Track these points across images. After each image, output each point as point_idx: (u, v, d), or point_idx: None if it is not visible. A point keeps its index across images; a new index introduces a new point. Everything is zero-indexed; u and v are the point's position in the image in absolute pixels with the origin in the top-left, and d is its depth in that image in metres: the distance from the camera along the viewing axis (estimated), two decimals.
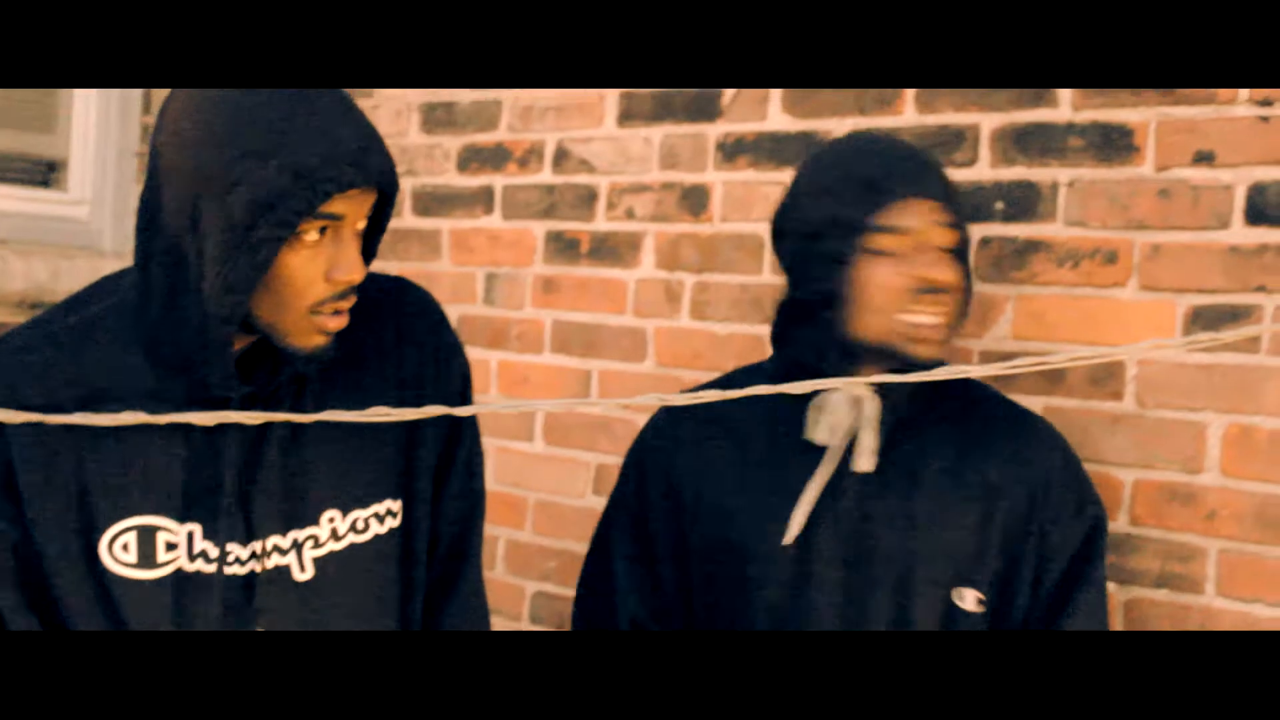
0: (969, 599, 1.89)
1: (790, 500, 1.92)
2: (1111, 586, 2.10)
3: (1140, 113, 2.12)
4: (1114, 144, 2.15)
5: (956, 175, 2.28)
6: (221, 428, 1.61)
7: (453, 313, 3.00)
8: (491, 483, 2.91)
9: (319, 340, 1.58)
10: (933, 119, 2.32)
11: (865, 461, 1.91)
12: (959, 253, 1.90)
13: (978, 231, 2.25)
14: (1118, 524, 2.12)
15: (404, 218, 3.10)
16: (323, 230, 1.52)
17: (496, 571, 2.90)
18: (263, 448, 1.64)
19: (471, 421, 1.85)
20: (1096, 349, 1.31)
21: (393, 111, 3.14)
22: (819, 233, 1.88)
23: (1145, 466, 2.11)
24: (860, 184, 1.87)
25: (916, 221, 1.86)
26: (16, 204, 3.54)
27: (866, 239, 1.85)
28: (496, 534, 2.91)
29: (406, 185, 3.10)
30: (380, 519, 1.72)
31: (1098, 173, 2.16)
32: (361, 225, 1.56)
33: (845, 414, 1.91)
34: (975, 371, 1.31)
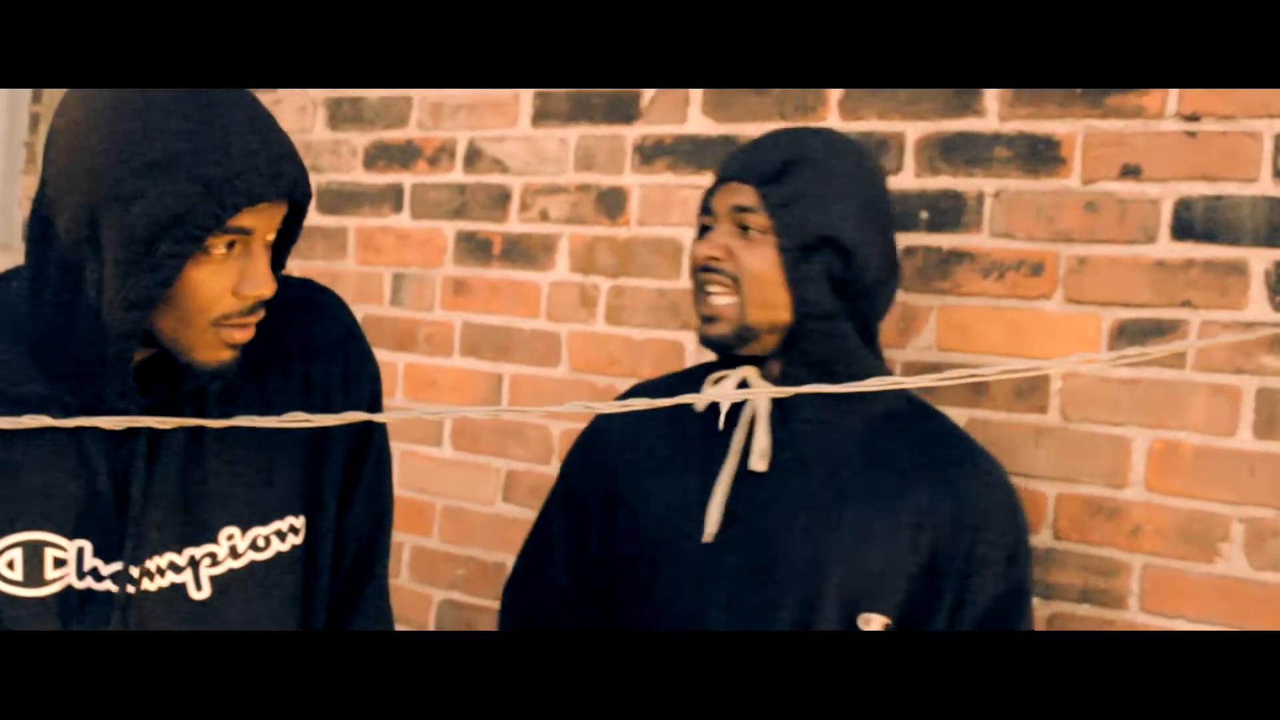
0: (874, 623, 1.83)
1: (699, 496, 1.90)
2: (1035, 601, 2.09)
3: (1067, 124, 2.12)
4: (1041, 155, 2.14)
5: None
6: (118, 440, 1.53)
7: (358, 313, 2.93)
8: (398, 488, 2.84)
9: (224, 354, 1.51)
10: (857, 125, 2.30)
11: (760, 462, 1.87)
12: (786, 247, 1.85)
13: (901, 241, 2.23)
14: (1041, 538, 2.11)
15: (309, 215, 3.02)
16: (230, 245, 1.44)
17: (402, 579, 2.84)
18: (159, 462, 1.56)
19: (381, 430, 1.78)
20: (1025, 363, 1.29)
21: (296, 107, 3.05)
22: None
23: (1069, 480, 2.10)
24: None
25: (721, 204, 1.90)
26: None
27: (700, 218, 1.96)
28: (402, 540, 2.84)
29: (311, 183, 3.02)
30: (282, 536, 1.65)
31: (1024, 184, 2.15)
32: (271, 237, 1.49)
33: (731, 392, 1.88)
34: (906, 383, 1.28)
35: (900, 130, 2.26)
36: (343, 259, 2.97)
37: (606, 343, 2.58)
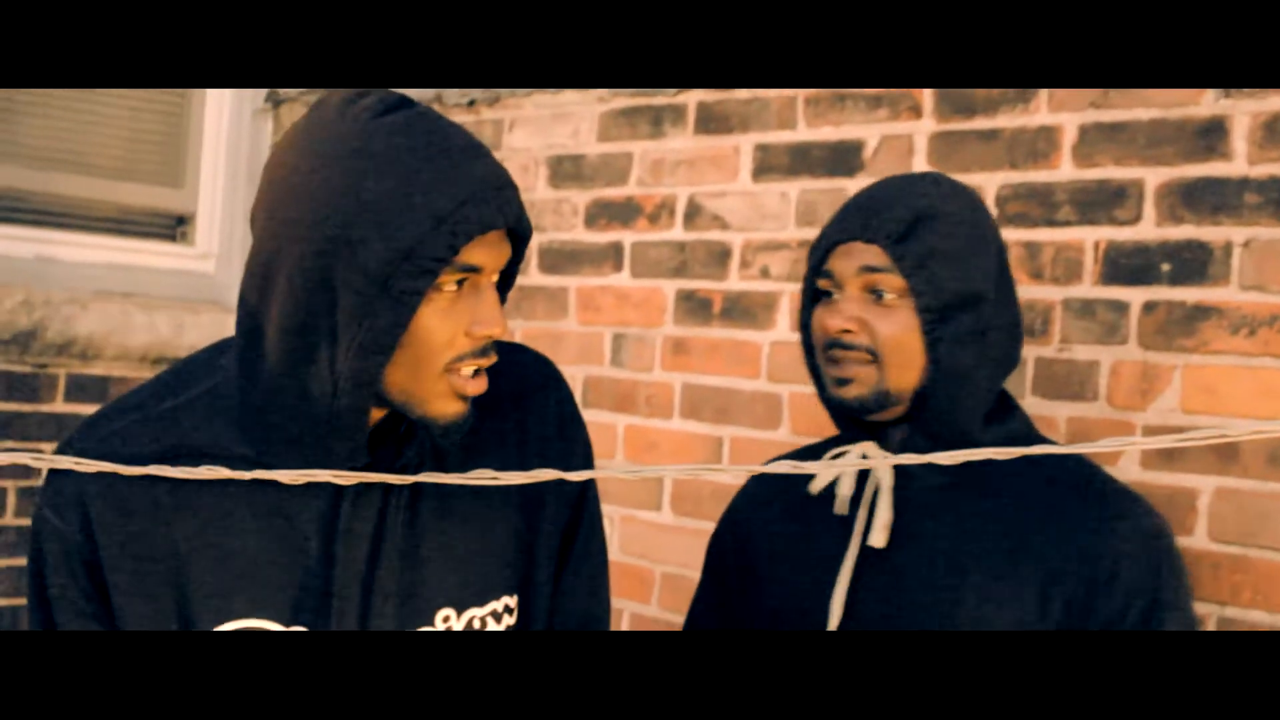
0: None
1: (822, 579, 1.78)
2: None
3: None
4: None
5: (1118, 235, 2.11)
6: (331, 516, 1.46)
7: (579, 374, 2.88)
8: (617, 553, 2.77)
9: (458, 406, 1.43)
10: (1092, 173, 2.15)
11: (879, 536, 1.73)
12: (926, 309, 1.70)
13: (1141, 295, 2.07)
14: None
15: (530, 275, 2.99)
16: (460, 283, 1.38)
17: None
18: (377, 538, 1.48)
19: (595, 500, 1.67)
20: (1268, 423, 1.14)
21: (519, 165, 3.03)
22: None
23: None
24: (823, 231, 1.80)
25: (845, 267, 1.74)
26: (144, 258, 3.51)
27: (817, 281, 1.78)
28: (621, 607, 2.76)
29: (533, 241, 2.99)
30: (497, 617, 1.55)
31: (1277, 232, 1.97)
32: (495, 277, 1.43)
33: (850, 481, 1.79)
34: (1137, 444, 1.15)
35: (1139, 177, 2.10)
36: (564, 319, 2.93)
37: None
